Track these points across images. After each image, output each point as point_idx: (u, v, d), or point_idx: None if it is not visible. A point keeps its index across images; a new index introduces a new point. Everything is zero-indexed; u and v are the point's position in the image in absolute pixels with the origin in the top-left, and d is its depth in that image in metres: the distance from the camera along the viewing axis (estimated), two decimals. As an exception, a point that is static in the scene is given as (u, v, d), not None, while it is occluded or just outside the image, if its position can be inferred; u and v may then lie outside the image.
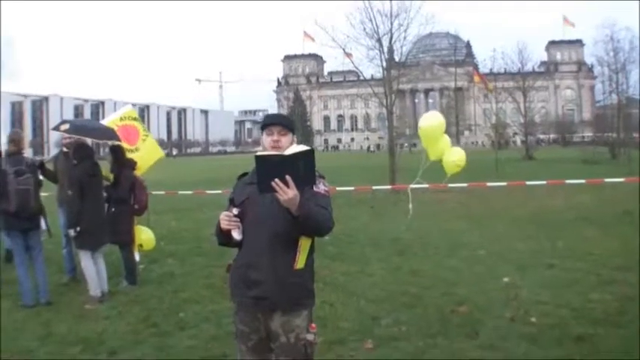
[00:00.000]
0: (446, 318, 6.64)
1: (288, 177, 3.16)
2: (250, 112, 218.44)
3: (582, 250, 10.12)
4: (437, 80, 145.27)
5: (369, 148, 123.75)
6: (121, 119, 9.75)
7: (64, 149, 9.01)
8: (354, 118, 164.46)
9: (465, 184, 15.50)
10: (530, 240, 11.36)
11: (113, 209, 8.33)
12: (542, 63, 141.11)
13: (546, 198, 18.15)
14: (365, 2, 26.50)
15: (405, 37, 27.31)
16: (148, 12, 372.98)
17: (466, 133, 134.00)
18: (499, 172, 29.34)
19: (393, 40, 26.72)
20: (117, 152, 8.62)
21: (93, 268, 7.79)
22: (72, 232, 7.76)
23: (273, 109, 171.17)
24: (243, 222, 3.54)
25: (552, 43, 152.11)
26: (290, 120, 3.88)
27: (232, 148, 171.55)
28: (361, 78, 32.62)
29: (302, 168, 3.22)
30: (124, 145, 9.01)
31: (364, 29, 26.86)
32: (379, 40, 26.55)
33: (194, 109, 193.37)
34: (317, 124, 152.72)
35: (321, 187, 3.56)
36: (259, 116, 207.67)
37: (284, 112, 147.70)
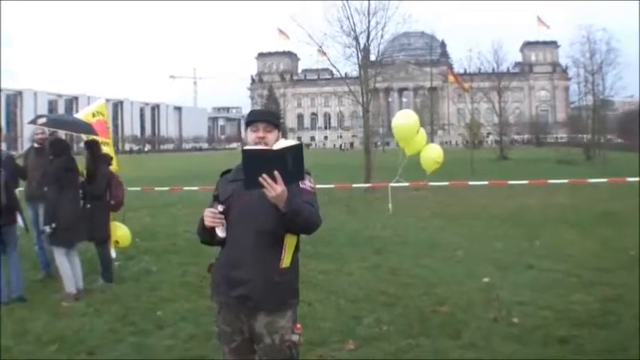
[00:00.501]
0: (427, 318, 6.60)
1: (276, 172, 3.08)
2: (224, 108, 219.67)
3: (561, 251, 10.16)
4: (411, 79, 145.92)
5: (341, 146, 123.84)
6: (94, 115, 9.56)
7: (35, 145, 8.88)
8: (327, 116, 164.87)
9: (446, 183, 15.47)
10: (509, 240, 11.39)
11: (89, 205, 8.13)
12: (517, 64, 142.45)
13: (524, 197, 18.26)
14: (343, 0, 26.45)
15: (382, 36, 27.32)
16: (123, 7, 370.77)
17: (439, 132, 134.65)
18: (475, 172, 29.43)
19: (370, 38, 26.70)
20: (92, 147, 8.41)
21: (67, 265, 7.64)
22: (47, 229, 7.60)
23: (246, 107, 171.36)
24: (227, 219, 3.44)
25: (527, 44, 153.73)
26: (276, 116, 3.79)
27: (205, 145, 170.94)
28: (335, 76, 32.55)
29: (290, 163, 3.15)
30: (100, 138, 8.84)
31: (341, 27, 26.83)
32: (356, 38, 26.52)
33: (167, 105, 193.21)
34: (290, 121, 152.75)
35: (307, 183, 3.47)
36: (233, 113, 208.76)
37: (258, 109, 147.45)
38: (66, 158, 7.83)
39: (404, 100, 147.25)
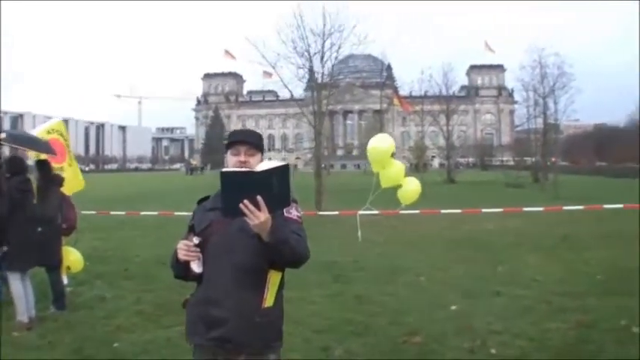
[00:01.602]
0: (400, 349, 6.40)
1: (259, 197, 2.80)
2: (168, 129, 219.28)
3: (526, 277, 10.10)
4: (356, 102, 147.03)
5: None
6: (49, 132, 9.18)
7: None
8: (271, 138, 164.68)
9: (417, 211, 15.36)
10: (470, 265, 11.30)
11: (40, 229, 7.63)
12: (463, 87, 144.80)
13: (477, 221, 18.21)
14: (297, 20, 26.40)
15: (336, 57, 27.34)
16: (68, 25, 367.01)
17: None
18: (426, 196, 29.45)
19: (325, 59, 26.65)
20: (44, 167, 7.99)
21: (22, 292, 7.27)
22: None
23: (191, 127, 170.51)
24: (203, 252, 3.16)
25: (473, 68, 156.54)
26: (259, 137, 3.44)
27: (149, 165, 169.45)
28: (281, 98, 32.60)
29: (276, 187, 2.86)
30: (54, 161, 8.49)
31: (295, 48, 26.75)
32: (310, 59, 26.45)
33: (112, 124, 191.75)
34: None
35: (293, 212, 3.22)
36: (177, 134, 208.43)
37: (202, 130, 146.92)
38: (22, 178, 7.44)
39: (348, 122, 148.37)
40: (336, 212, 16.58)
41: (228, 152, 3.29)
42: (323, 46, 26.35)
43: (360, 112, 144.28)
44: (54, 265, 8.10)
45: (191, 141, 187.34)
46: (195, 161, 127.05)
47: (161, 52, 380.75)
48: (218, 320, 3.08)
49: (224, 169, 2.92)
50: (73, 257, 8.84)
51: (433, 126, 63.66)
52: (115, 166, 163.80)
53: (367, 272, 10.63)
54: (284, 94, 29.28)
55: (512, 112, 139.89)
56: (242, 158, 3.21)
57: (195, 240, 3.15)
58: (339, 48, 26.91)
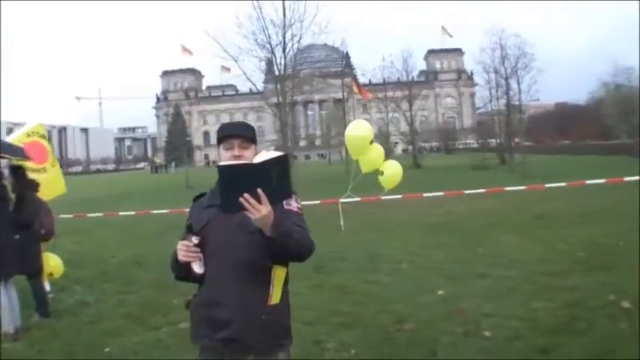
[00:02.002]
0: (393, 337, 6.34)
1: (259, 190, 2.67)
2: (130, 129, 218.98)
3: (507, 257, 10.14)
4: (316, 92, 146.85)
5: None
6: (28, 135, 8.99)
7: None
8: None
9: (399, 196, 15.27)
10: (449, 249, 11.32)
11: (17, 236, 7.40)
12: (422, 72, 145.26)
13: (449, 205, 18.25)
14: (257, 11, 26.24)
15: (298, 48, 27.26)
16: (24, 27, 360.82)
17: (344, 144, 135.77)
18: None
19: (287, 50, 26.52)
20: (18, 172, 7.76)
21: (7, 301, 7.03)
22: None
23: (152, 126, 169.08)
24: (204, 252, 3.04)
25: (431, 52, 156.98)
26: (252, 129, 3.27)
27: (113, 166, 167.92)
28: (240, 92, 32.49)
29: (275, 178, 2.73)
30: (30, 164, 8.27)
31: (256, 40, 26.59)
32: (272, 51, 26.32)
33: (74, 127, 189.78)
34: (197, 139, 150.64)
35: (293, 204, 3.10)
36: (139, 133, 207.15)
37: (164, 128, 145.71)
38: None
39: (309, 112, 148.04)
40: (317, 201, 16.48)
41: (221, 147, 3.16)
42: (284, 37, 26.22)
43: (321, 102, 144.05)
44: (34, 271, 7.91)
45: (153, 139, 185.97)
46: (159, 159, 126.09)
47: (119, 51, 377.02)
48: (223, 321, 2.97)
49: (221, 163, 2.80)
50: (53, 263, 8.71)
51: (395, 112, 63.93)
52: (79, 168, 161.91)
53: (347, 262, 10.55)
54: (243, 88, 29.29)
55: (472, 95, 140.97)
56: (236, 152, 3.09)
57: (195, 239, 3.03)
58: (301, 38, 26.83)
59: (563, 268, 9.01)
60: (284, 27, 25.85)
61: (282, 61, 26.35)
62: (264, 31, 26.14)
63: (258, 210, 2.67)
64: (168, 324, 7.28)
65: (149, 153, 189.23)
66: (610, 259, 9.24)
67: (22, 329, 7.26)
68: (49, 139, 9.91)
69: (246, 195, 2.65)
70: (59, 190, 9.67)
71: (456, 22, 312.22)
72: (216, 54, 27.19)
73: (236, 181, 2.70)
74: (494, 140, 62.83)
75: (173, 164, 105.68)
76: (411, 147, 63.37)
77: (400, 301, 7.71)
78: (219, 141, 3.18)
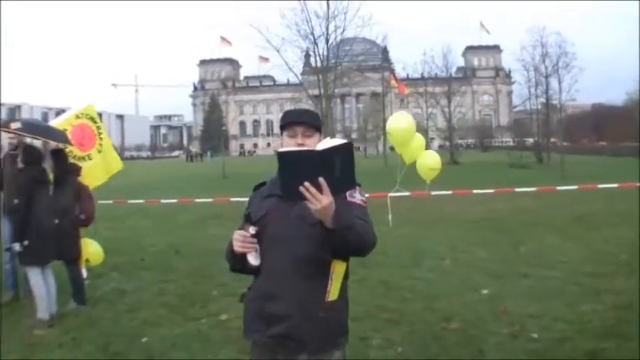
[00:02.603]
0: (440, 336, 6.24)
1: (321, 179, 2.50)
2: (166, 116, 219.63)
3: (550, 258, 9.99)
4: (354, 85, 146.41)
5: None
6: (77, 117, 8.90)
7: (11, 152, 7.93)
8: (269, 123, 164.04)
9: (449, 192, 15.16)
10: (491, 247, 11.17)
11: (57, 220, 7.30)
12: (459, 68, 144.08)
13: (489, 202, 18.04)
14: (301, 2, 26.17)
15: (341, 40, 27.11)
16: (62, 14, 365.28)
17: (382, 138, 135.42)
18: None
19: (330, 42, 26.41)
20: (59, 156, 7.70)
21: (44, 287, 6.97)
22: (17, 247, 6.84)
23: (188, 114, 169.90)
24: (261, 243, 2.92)
25: (469, 49, 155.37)
26: (317, 116, 3.15)
27: (147, 153, 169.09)
28: (278, 83, 32.51)
29: (338, 167, 2.54)
30: (75, 151, 8.27)
31: (299, 31, 26.50)
32: (315, 42, 26.21)
33: (110, 113, 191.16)
34: (233, 129, 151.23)
35: (357, 196, 2.95)
36: (174, 121, 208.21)
37: (200, 117, 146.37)
38: (37, 168, 7.14)
39: (346, 106, 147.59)
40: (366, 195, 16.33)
41: (284, 134, 3.06)
42: (327, 29, 26.09)
43: (358, 96, 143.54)
44: (72, 258, 7.79)
45: (189, 128, 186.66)
46: (195, 148, 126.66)
47: (157, 39, 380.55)
48: (278, 316, 2.85)
49: (281, 149, 2.63)
50: (92, 249, 8.53)
51: (433, 107, 63.49)
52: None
53: (390, 256, 10.41)
54: (281, 78, 29.34)
55: (509, 93, 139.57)
56: (299, 140, 2.97)
57: (252, 230, 2.91)
58: (344, 30, 26.68)
59: (608, 270, 8.83)
60: (327, 18, 25.81)
61: (325, 53, 26.26)
62: (307, 22, 26.13)
63: (319, 200, 2.51)
64: (208, 315, 7.22)
65: (184, 141, 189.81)
66: (655, 263, 9.04)
67: (57, 316, 7.19)
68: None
69: (306, 183, 2.50)
70: (115, 168, 9.53)
71: (494, 19, 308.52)
72: (257, 44, 27.22)
73: (296, 168, 2.54)
74: (530, 139, 62.20)
75: (209, 153, 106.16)
76: (447, 143, 62.88)
77: (445, 299, 7.63)
78: (282, 128, 3.08)
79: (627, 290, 7.66)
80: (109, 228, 14.72)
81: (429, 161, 10.46)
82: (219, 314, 7.12)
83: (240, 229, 2.97)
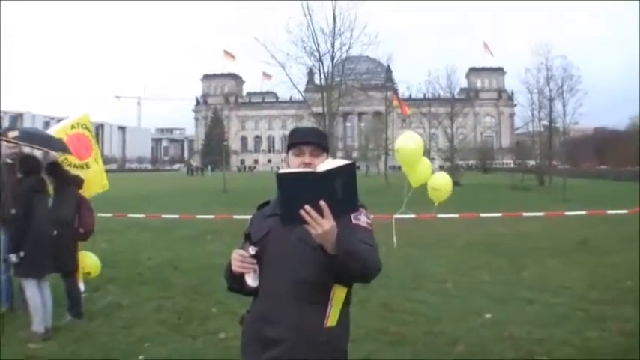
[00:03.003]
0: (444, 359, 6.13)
1: (322, 202, 2.41)
2: (167, 130, 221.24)
3: (554, 283, 9.88)
4: (356, 104, 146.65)
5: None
6: (73, 127, 8.88)
7: (9, 160, 7.86)
8: (271, 139, 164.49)
9: (455, 215, 15.05)
10: (493, 270, 11.10)
11: (55, 232, 7.25)
12: (462, 89, 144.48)
13: (491, 225, 17.91)
14: (307, 19, 26.18)
15: (346, 58, 27.11)
16: (67, 25, 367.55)
17: (383, 157, 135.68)
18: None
19: (335, 59, 26.42)
20: (56, 168, 7.69)
21: (39, 300, 6.89)
22: (14, 258, 6.76)
23: (190, 128, 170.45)
24: (260, 264, 2.82)
25: (473, 70, 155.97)
26: (325, 136, 3.08)
27: (147, 166, 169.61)
28: (280, 99, 32.61)
29: (340, 190, 2.44)
30: (73, 160, 8.19)
31: (304, 48, 26.52)
32: (320, 59, 26.22)
33: (112, 125, 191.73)
34: (234, 144, 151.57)
35: (362, 218, 2.83)
36: (176, 134, 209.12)
37: (202, 131, 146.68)
38: (36, 178, 7.07)
39: (348, 124, 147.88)
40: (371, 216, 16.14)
41: (290, 153, 2.97)
42: (333, 46, 26.12)
43: (360, 114, 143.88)
44: (70, 270, 7.74)
45: (190, 142, 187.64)
46: (195, 162, 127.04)
47: (161, 52, 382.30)
48: (274, 340, 2.74)
49: (281, 171, 2.50)
50: (90, 262, 8.50)
51: (434, 128, 63.49)
52: (114, 166, 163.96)
53: (391, 278, 10.24)
54: (283, 95, 29.46)
55: (512, 116, 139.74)
56: (307, 160, 2.88)
57: (252, 250, 2.81)
58: (350, 48, 26.69)
59: (613, 297, 8.74)
60: (334, 35, 25.86)
61: (330, 70, 26.26)
62: (313, 38, 26.16)
63: (320, 225, 2.42)
64: (205, 333, 7.13)
65: (185, 155, 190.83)
66: (661, 291, 8.94)
67: (53, 329, 7.10)
68: (95, 133, 9.73)
69: (307, 207, 2.40)
70: (101, 187, 9.39)
71: (498, 41, 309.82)
72: (262, 59, 27.29)
73: (297, 190, 2.43)
74: (532, 161, 62.14)
75: (210, 167, 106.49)
76: (448, 164, 62.78)
77: (448, 323, 7.52)
78: (289, 147, 2.99)
79: (634, 317, 7.53)
80: (107, 240, 14.62)
81: (442, 183, 10.29)
82: (217, 332, 7.03)
83: (240, 248, 2.88)
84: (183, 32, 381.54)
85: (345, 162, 2.48)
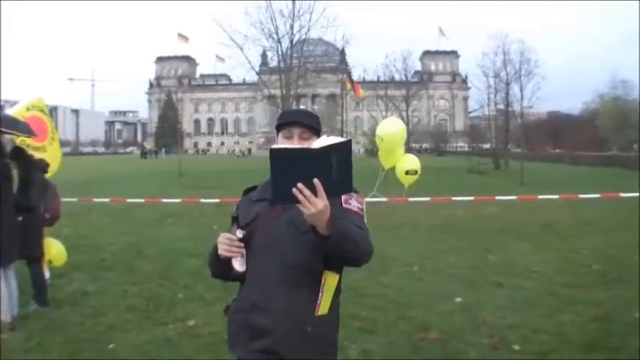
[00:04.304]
0: (419, 347, 6.05)
1: (316, 181, 2.28)
2: (121, 112, 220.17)
3: (521, 266, 9.92)
4: (309, 87, 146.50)
5: (243, 152, 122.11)
6: (28, 109, 8.60)
7: None
8: (224, 122, 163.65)
9: (427, 199, 15.00)
10: (459, 253, 11.12)
11: (20, 218, 6.95)
12: (416, 72, 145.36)
13: (450, 209, 17.91)
14: (266, 1, 26.00)
15: (305, 40, 27.05)
16: (16, 6, 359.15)
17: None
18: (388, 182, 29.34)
19: (294, 42, 26.29)
20: (18, 152, 7.29)
21: (5, 289, 6.59)
22: None
23: (144, 111, 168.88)
24: (248, 249, 2.68)
25: (427, 54, 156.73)
26: (316, 118, 2.90)
27: (102, 149, 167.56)
28: (234, 82, 32.45)
29: (335, 168, 2.31)
30: (30, 142, 7.88)
31: (262, 29, 26.34)
32: (279, 41, 26.07)
33: (65, 107, 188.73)
34: (188, 126, 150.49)
35: (353, 203, 2.74)
36: (129, 117, 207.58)
37: (155, 114, 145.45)
38: (2, 163, 6.70)
39: (301, 107, 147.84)
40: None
41: (279, 135, 2.84)
42: (292, 28, 25.98)
43: (314, 97, 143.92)
44: (35, 257, 7.49)
45: (144, 124, 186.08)
46: (149, 145, 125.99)
47: (114, 34, 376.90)
48: (263, 329, 2.62)
49: (274, 146, 2.36)
50: (55, 250, 8.28)
51: (389, 111, 63.77)
52: (68, 149, 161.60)
53: (355, 261, 10.23)
54: (237, 77, 29.35)
55: (465, 99, 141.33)
56: (296, 142, 2.74)
57: (239, 233, 2.68)
58: (309, 30, 26.60)
59: (582, 281, 8.79)
60: (292, 17, 25.75)
61: (289, 52, 26.11)
62: (272, 20, 26.01)
63: (314, 204, 2.28)
64: (174, 320, 6.95)
65: (139, 138, 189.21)
66: (628, 273, 9.01)
67: (19, 318, 6.85)
68: (50, 115, 9.52)
69: (300, 185, 2.27)
70: (56, 166, 9.16)
71: (452, 24, 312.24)
72: (219, 41, 27.12)
73: (290, 167, 2.30)
74: (486, 145, 62.91)
75: (164, 150, 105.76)
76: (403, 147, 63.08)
77: (419, 307, 7.45)
78: (278, 128, 2.86)
79: (606, 302, 7.60)
80: (67, 225, 14.27)
81: (410, 165, 10.14)
82: (187, 319, 6.88)
83: (227, 232, 2.74)
84: (137, 14, 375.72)
85: (341, 139, 2.37)
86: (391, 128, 9.91)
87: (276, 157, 2.30)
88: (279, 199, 2.37)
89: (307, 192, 2.27)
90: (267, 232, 2.67)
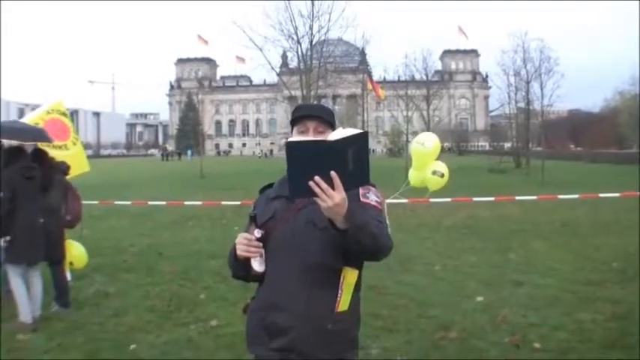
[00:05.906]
0: (440, 345, 6.08)
1: (333, 173, 2.26)
2: (142, 115, 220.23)
3: (540, 265, 9.91)
4: (329, 87, 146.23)
5: (266, 153, 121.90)
6: (48, 112, 8.80)
7: None
8: (245, 123, 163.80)
9: (448, 199, 14.98)
10: (480, 253, 11.11)
11: (42, 220, 7.03)
12: (436, 72, 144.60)
13: (471, 209, 17.91)
14: (285, 2, 26.03)
15: (325, 40, 27.07)
16: (40, 10, 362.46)
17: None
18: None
19: (313, 42, 26.33)
20: (39, 155, 7.36)
21: (24, 289, 6.70)
22: (1, 243, 6.58)
23: (164, 113, 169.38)
24: (266, 248, 2.68)
25: (447, 53, 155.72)
26: (330, 112, 2.90)
27: (123, 151, 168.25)
28: (254, 83, 32.53)
29: (352, 161, 2.30)
30: (52, 143, 8.00)
31: (282, 30, 26.39)
32: (298, 42, 26.11)
33: (86, 110, 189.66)
34: (209, 128, 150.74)
35: (371, 197, 2.70)
36: (150, 119, 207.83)
37: (176, 116, 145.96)
38: (24, 164, 6.85)
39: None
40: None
41: (294, 130, 2.84)
42: (312, 29, 26.00)
43: (334, 97, 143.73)
44: (57, 259, 7.55)
45: (165, 126, 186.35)
46: (170, 147, 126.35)
47: (135, 37, 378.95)
48: (282, 327, 2.62)
49: (290, 139, 2.39)
50: (76, 252, 8.38)
51: (410, 110, 63.53)
52: (89, 152, 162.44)
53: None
54: (257, 79, 29.41)
55: (486, 98, 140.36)
56: (311, 136, 2.73)
57: (257, 233, 2.66)
58: (328, 30, 26.61)
59: (602, 279, 8.79)
60: (312, 18, 25.79)
61: (309, 53, 26.17)
62: (291, 21, 26.07)
63: (331, 197, 2.27)
64: (196, 320, 7.00)
65: (160, 140, 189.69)
66: (647, 272, 8.97)
67: (41, 319, 6.93)
68: (71, 119, 9.70)
69: (317, 178, 2.26)
70: (82, 168, 9.41)
71: (473, 23, 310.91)
72: (239, 43, 27.23)
73: (306, 160, 2.28)
74: (507, 143, 62.48)
75: (189, 152, 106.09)
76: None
77: (439, 306, 7.48)
78: (293, 123, 2.86)
79: (624, 300, 7.58)
80: (87, 227, 14.38)
81: (438, 167, 9.95)
82: (209, 320, 6.92)
83: (245, 231, 2.72)
84: (157, 16, 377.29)
85: (358, 131, 2.36)
86: (435, 140, 9.76)
87: (292, 150, 2.30)
88: (296, 192, 2.37)
89: (324, 185, 2.27)
90: (286, 231, 2.67)
